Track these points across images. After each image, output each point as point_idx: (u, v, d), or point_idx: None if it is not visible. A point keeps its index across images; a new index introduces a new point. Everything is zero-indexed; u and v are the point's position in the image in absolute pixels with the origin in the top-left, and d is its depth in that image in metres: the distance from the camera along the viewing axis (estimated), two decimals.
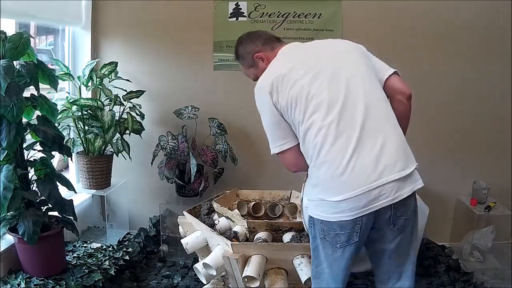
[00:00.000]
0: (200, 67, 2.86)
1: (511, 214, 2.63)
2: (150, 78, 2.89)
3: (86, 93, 2.68)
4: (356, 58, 1.49)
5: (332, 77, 1.42)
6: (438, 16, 2.67)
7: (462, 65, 2.72)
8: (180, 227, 2.14)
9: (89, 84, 2.61)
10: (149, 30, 2.85)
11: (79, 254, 2.39)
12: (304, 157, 1.48)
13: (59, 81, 2.23)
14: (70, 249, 2.45)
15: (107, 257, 2.39)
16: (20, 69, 1.89)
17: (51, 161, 2.13)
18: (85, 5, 2.77)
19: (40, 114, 2.06)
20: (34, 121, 2.03)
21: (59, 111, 2.27)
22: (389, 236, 1.43)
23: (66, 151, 2.12)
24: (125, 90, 2.67)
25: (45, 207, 2.12)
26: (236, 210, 2.15)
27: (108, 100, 2.61)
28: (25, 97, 1.92)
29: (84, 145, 2.60)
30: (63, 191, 2.16)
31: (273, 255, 1.78)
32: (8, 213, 2.00)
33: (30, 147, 2.07)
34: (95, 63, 2.64)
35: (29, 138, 2.09)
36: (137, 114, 2.67)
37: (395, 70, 1.52)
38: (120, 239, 2.75)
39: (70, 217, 2.15)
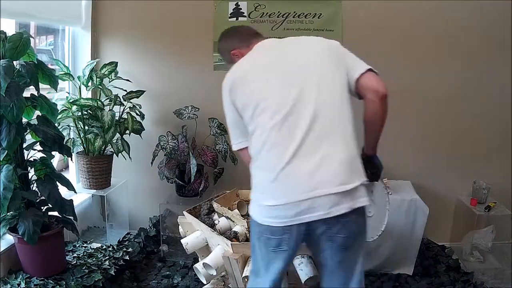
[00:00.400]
0: (200, 67, 2.86)
1: (511, 214, 2.63)
2: (150, 78, 2.89)
3: (86, 93, 2.68)
4: (323, 59, 1.42)
5: (287, 81, 1.37)
6: (438, 16, 2.67)
7: (462, 65, 2.72)
8: (180, 227, 2.14)
9: (89, 84, 2.61)
10: (149, 30, 2.85)
11: (79, 254, 2.39)
12: None
13: (59, 81, 2.24)
14: (70, 249, 2.45)
15: (107, 257, 2.39)
16: (20, 69, 1.89)
17: (51, 161, 2.14)
18: (85, 5, 2.77)
19: (40, 114, 2.06)
20: (34, 121, 2.03)
21: (59, 111, 2.28)
22: (328, 251, 1.40)
23: (66, 151, 2.12)
24: (125, 90, 2.68)
25: (45, 207, 2.12)
26: (236, 210, 2.15)
27: (108, 100, 2.61)
28: (25, 97, 1.92)
29: (84, 145, 2.60)
30: (63, 191, 2.16)
31: None
32: (8, 213, 2.00)
33: (30, 147, 2.07)
34: (95, 63, 2.65)
35: (29, 138, 2.09)
36: (137, 114, 2.67)
37: (369, 67, 1.41)
38: (120, 239, 2.76)
39: (70, 217, 2.15)
